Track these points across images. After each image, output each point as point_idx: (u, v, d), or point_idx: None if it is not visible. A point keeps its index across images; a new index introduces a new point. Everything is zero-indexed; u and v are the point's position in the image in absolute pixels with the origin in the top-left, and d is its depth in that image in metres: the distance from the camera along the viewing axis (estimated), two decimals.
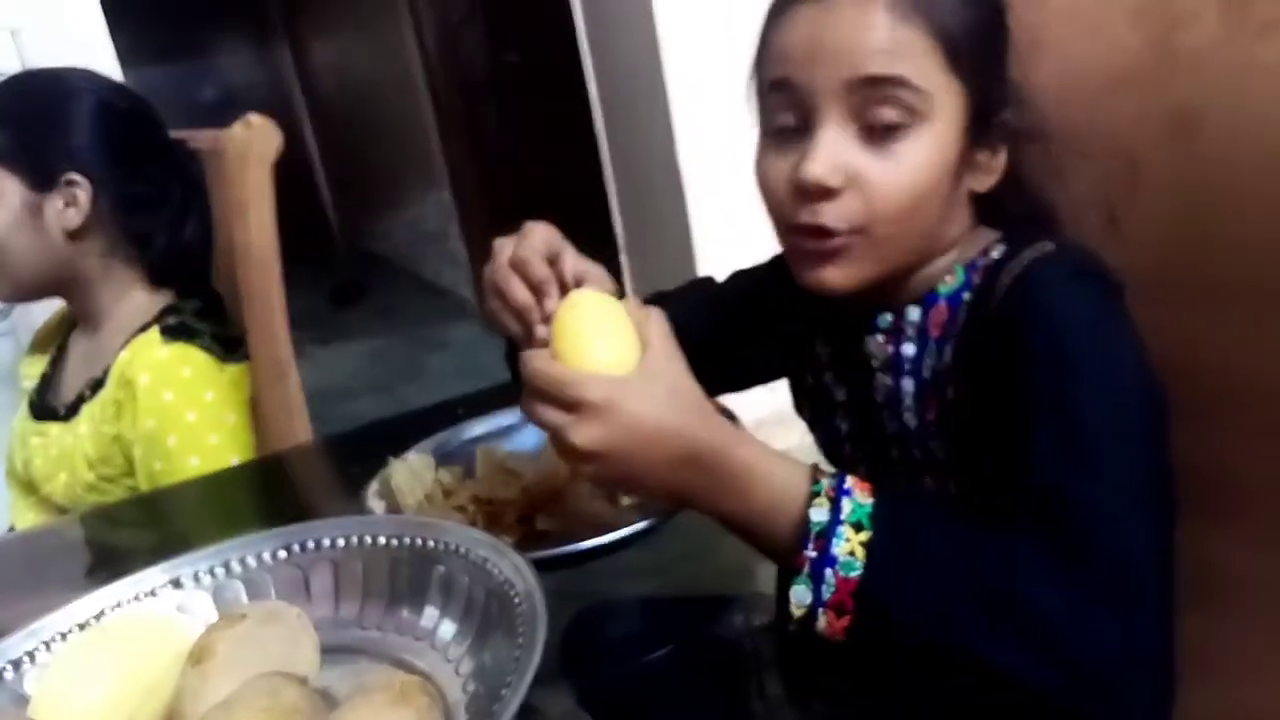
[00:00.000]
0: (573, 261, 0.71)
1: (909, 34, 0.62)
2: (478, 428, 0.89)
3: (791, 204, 0.66)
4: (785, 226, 0.68)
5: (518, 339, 0.70)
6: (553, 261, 0.70)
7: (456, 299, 4.66)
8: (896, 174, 0.63)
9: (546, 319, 0.67)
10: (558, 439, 0.57)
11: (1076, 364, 0.59)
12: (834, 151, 0.63)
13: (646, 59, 2.19)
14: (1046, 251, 0.65)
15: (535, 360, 0.58)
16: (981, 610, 0.53)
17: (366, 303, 5.20)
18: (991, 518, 0.57)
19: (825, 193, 0.64)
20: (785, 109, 0.66)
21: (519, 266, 0.70)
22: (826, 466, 0.59)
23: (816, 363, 0.80)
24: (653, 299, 0.92)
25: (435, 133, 4.28)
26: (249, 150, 1.22)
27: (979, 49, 0.65)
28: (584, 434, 0.56)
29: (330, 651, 0.62)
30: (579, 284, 0.69)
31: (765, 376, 0.90)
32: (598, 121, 2.52)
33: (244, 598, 0.67)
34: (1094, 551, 0.53)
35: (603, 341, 0.60)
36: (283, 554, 0.69)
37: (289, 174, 1.29)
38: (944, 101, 0.64)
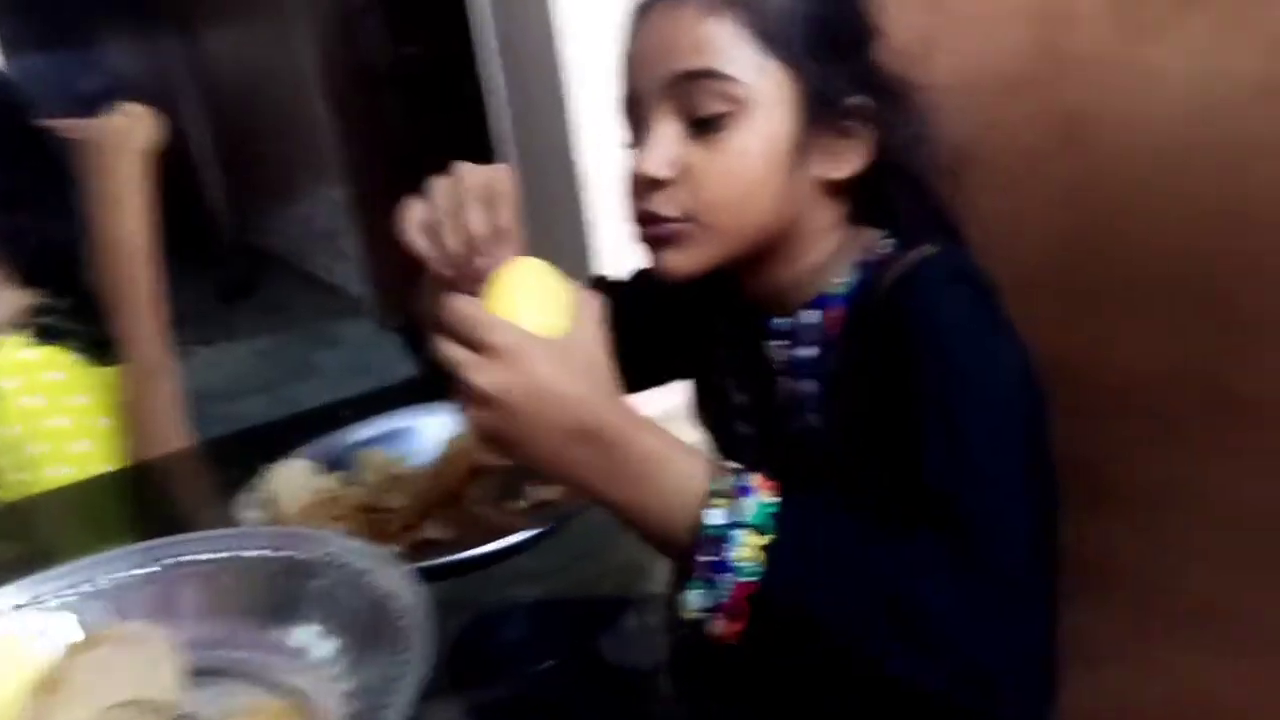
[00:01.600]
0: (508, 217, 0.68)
1: (717, 27, 0.64)
2: (363, 432, 0.85)
3: (633, 198, 0.68)
4: (632, 220, 0.70)
5: (430, 261, 0.68)
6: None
7: (348, 296, 4.55)
8: (721, 163, 0.65)
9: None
10: (459, 379, 0.54)
11: (958, 369, 0.60)
12: (663, 147, 0.66)
13: (547, 53, 2.16)
14: (926, 254, 0.65)
15: (458, 298, 0.56)
16: (878, 617, 0.52)
17: (255, 300, 5.04)
18: (891, 519, 0.56)
19: (656, 184, 0.66)
20: (632, 119, 0.69)
21: (487, 202, 0.67)
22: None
23: (718, 367, 0.79)
24: None
25: (331, 126, 4.17)
26: (124, 140, 1.16)
27: (808, 34, 0.65)
28: (486, 376, 0.53)
29: (199, 674, 0.58)
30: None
31: (663, 379, 0.89)
32: (496, 116, 2.49)
33: (111, 617, 0.63)
34: (986, 559, 0.54)
35: (535, 306, 0.57)
36: (149, 569, 0.64)
37: (175, 166, 1.23)
38: (766, 89, 0.65)
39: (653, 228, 0.68)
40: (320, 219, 4.69)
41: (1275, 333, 0.63)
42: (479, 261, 0.66)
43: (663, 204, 0.66)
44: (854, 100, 0.67)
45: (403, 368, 0.88)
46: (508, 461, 0.76)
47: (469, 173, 0.68)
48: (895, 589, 0.53)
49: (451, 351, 0.55)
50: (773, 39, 0.64)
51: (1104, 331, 0.74)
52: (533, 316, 0.57)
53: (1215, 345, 0.67)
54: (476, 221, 0.66)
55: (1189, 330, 0.68)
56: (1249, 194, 0.65)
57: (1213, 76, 0.66)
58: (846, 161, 0.68)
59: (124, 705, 0.49)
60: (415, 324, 0.81)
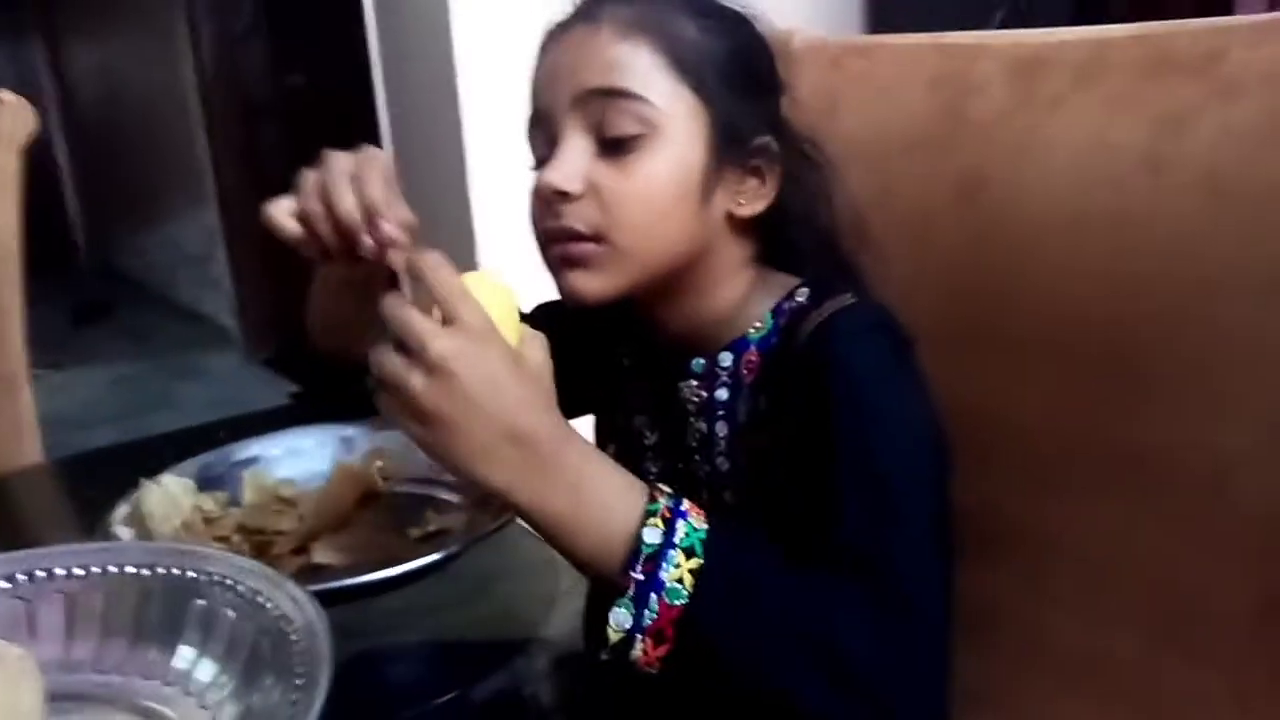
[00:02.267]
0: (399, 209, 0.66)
1: (632, 48, 0.65)
2: (246, 451, 0.81)
3: (540, 215, 0.67)
4: (539, 240, 0.69)
5: (311, 251, 0.66)
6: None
7: (216, 326, 4.37)
8: (631, 183, 0.65)
9: (380, 242, 0.62)
10: (412, 342, 0.52)
11: (876, 419, 0.61)
12: (571, 161, 0.65)
13: (441, 89, 2.14)
14: (845, 304, 0.67)
15: (433, 257, 0.55)
16: (798, 652, 0.53)
17: (112, 324, 4.78)
18: (804, 561, 0.57)
19: (564, 198, 0.65)
20: (540, 139, 0.69)
21: (356, 182, 0.64)
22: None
23: (628, 404, 0.78)
24: None
25: (207, 151, 4.03)
26: None
27: (721, 67, 0.67)
28: (449, 345, 0.52)
29: (60, 699, 0.53)
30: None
31: (570, 412, 0.87)
32: (386, 148, 2.45)
33: None
34: (903, 604, 0.55)
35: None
36: (3, 585, 0.59)
37: (30, 177, 1.16)
38: (679, 115, 0.66)
39: (561, 246, 0.67)
40: (190, 244, 4.51)
41: (1158, 389, 0.66)
42: (364, 242, 0.63)
43: (572, 218, 0.65)
44: (762, 139, 0.69)
45: (270, 401, 0.84)
46: (402, 475, 0.74)
47: (337, 158, 0.66)
48: (816, 625, 0.53)
49: (413, 317, 0.52)
50: (687, 68, 0.65)
51: (994, 385, 0.77)
52: None
53: (1103, 400, 0.69)
54: (345, 202, 0.63)
55: (1077, 386, 0.71)
56: (1133, 259, 0.68)
57: (1102, 149, 0.70)
58: (753, 199, 0.70)
59: None
60: (303, 336, 0.78)
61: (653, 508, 0.54)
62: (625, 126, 0.64)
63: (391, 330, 0.53)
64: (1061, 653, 0.74)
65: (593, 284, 0.67)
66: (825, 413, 0.61)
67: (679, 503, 0.55)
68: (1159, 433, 0.67)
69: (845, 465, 0.60)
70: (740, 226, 0.70)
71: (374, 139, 2.44)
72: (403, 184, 0.67)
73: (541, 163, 0.68)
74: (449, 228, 2.20)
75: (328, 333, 0.77)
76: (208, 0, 3.80)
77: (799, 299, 0.70)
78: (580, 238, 0.65)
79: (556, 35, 0.69)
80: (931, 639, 0.56)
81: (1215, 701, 0.65)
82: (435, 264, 0.55)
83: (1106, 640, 0.71)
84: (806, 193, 0.72)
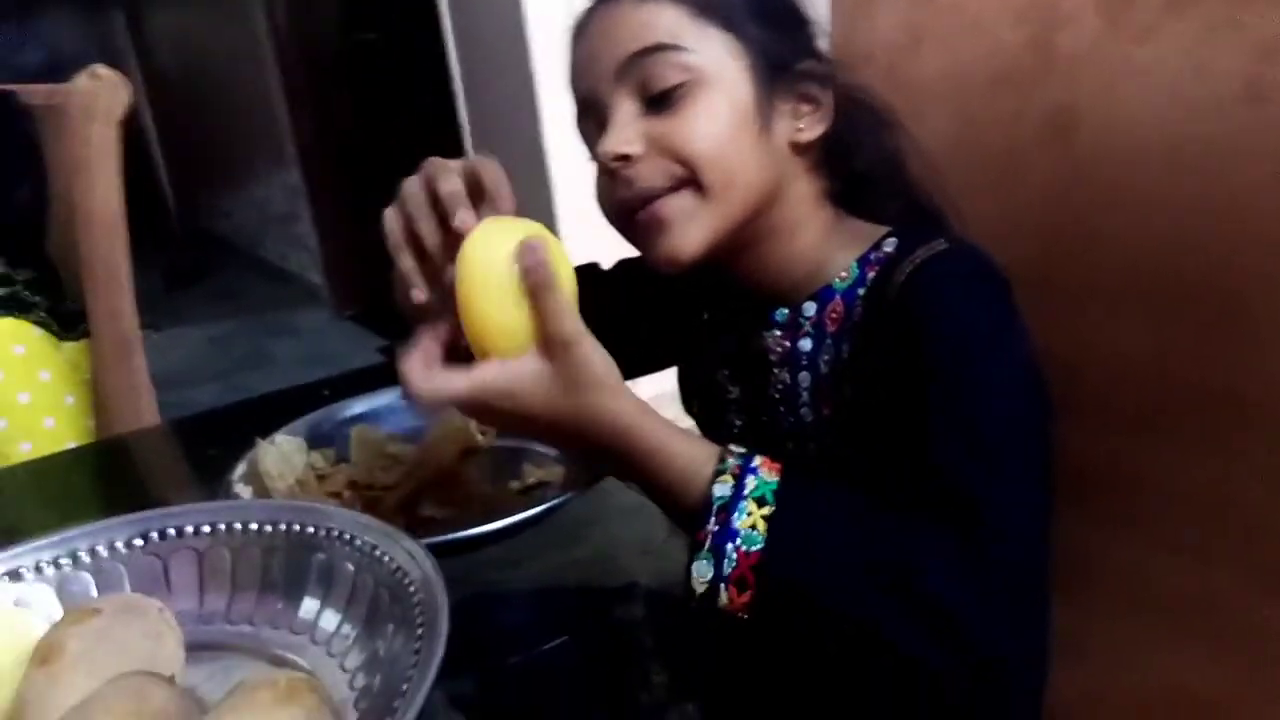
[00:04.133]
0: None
1: (655, 7, 0.66)
2: (351, 409, 0.84)
3: (611, 193, 0.68)
4: (619, 215, 0.69)
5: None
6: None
7: (305, 284, 4.48)
8: (690, 125, 0.65)
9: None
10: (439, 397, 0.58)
11: (976, 364, 0.61)
12: (624, 125, 0.66)
13: (512, 39, 2.14)
14: (940, 250, 0.66)
15: (414, 375, 0.57)
16: (880, 588, 0.53)
17: (207, 286, 4.94)
18: (891, 506, 0.57)
19: (627, 161, 0.66)
20: (591, 127, 0.69)
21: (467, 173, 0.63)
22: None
23: (711, 359, 0.79)
24: None
25: (285, 110, 4.10)
26: (95, 105, 1.12)
27: (744, 6, 0.67)
28: (476, 415, 0.60)
29: (195, 649, 0.57)
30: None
31: (651, 368, 0.89)
32: (460, 104, 2.46)
33: (94, 591, 0.61)
34: (997, 549, 0.55)
35: (509, 297, 0.56)
36: (139, 542, 0.62)
37: (123, 146, 1.20)
38: (716, 55, 0.66)
39: (647, 211, 0.66)
40: (275, 204, 4.61)
41: (1260, 331, 0.65)
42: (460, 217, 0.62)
43: (646, 177, 0.65)
44: (806, 64, 0.69)
45: (360, 356, 0.87)
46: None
47: (443, 170, 0.63)
48: (898, 561, 0.54)
49: (423, 379, 0.57)
50: (711, 11, 0.66)
51: (1088, 328, 0.75)
52: (506, 315, 0.56)
53: (1200, 343, 0.68)
54: (450, 183, 0.61)
55: (1174, 327, 0.69)
56: (1234, 193, 0.66)
57: (1200, 77, 0.67)
58: (812, 123, 0.70)
59: (130, 676, 0.48)
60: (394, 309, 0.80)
61: (722, 466, 0.56)
62: (669, 77, 0.65)
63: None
64: (1161, 598, 0.73)
65: (688, 239, 0.66)
66: (918, 357, 0.61)
67: (750, 459, 0.56)
68: (1262, 372, 0.65)
69: (942, 408, 0.59)
70: (807, 156, 0.70)
71: (446, 95, 2.46)
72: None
73: (596, 143, 0.68)
74: (524, 186, 2.21)
75: (406, 312, 0.79)
76: None
77: (886, 249, 0.69)
78: (664, 192, 0.65)
79: (581, 26, 0.70)
80: (1024, 581, 0.56)
81: None
82: (414, 383, 0.57)
83: (1207, 584, 0.70)
84: (864, 122, 0.72)
